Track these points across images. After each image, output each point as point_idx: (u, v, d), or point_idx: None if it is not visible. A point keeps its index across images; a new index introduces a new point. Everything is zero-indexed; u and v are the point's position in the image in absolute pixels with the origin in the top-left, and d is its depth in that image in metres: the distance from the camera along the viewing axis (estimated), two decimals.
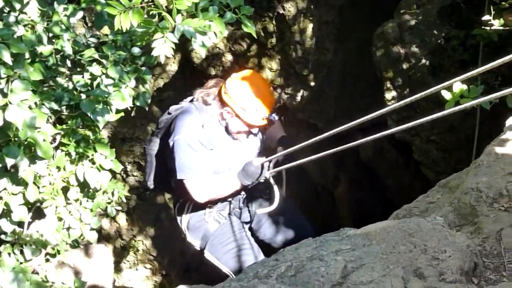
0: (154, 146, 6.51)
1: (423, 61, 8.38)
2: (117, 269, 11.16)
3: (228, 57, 10.05)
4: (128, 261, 11.26)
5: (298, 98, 10.10)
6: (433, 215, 4.78)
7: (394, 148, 9.94)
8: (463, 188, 5.12)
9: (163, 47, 4.26)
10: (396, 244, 4.28)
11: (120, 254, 11.27)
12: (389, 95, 8.80)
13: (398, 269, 4.05)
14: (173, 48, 4.31)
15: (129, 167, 10.85)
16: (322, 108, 10.37)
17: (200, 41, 4.44)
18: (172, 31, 4.28)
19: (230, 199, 6.32)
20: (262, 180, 6.05)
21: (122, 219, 11.15)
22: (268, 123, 6.11)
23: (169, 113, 6.43)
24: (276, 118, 6.10)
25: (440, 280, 3.99)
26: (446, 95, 5.58)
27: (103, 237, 11.13)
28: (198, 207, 6.31)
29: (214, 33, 4.58)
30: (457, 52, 8.32)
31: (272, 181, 6.21)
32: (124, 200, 6.31)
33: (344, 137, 10.52)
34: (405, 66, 8.55)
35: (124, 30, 4.21)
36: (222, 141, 6.14)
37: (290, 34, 9.60)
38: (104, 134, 10.34)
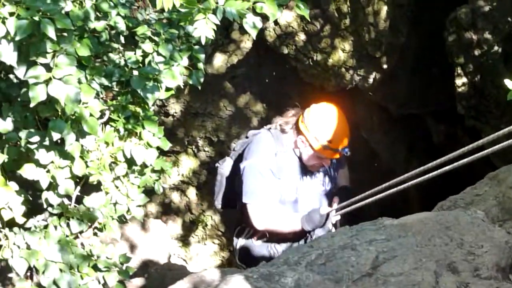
0: (227, 166, 6.51)
1: (495, 48, 8.15)
2: (185, 243, 11.25)
3: (301, 36, 9.95)
4: (196, 235, 11.33)
5: (370, 80, 9.98)
6: (474, 208, 4.63)
7: (467, 135, 9.70)
8: (509, 182, 4.95)
9: (204, 28, 4.21)
10: (432, 236, 4.18)
11: (188, 228, 11.34)
12: (459, 81, 8.63)
13: (431, 263, 3.96)
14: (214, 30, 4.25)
15: (200, 142, 10.88)
16: (393, 91, 10.22)
17: (251, 22, 4.37)
18: (214, 13, 4.22)
19: (292, 242, 6.27)
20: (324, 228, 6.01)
21: (192, 193, 11.21)
22: (340, 156, 6.05)
23: (246, 137, 6.44)
24: (349, 153, 6.04)
25: (474, 275, 3.89)
26: (510, 84, 5.37)
27: (173, 210, 11.23)
28: (257, 236, 6.30)
29: (266, 15, 4.48)
30: None
31: (331, 225, 6.14)
32: (176, 181, 6.40)
33: (414, 119, 10.40)
34: (476, 52, 8.34)
35: (166, 10, 4.17)
36: (293, 172, 6.09)
37: (363, 15, 9.45)
38: (177, 108, 10.40)
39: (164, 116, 10.41)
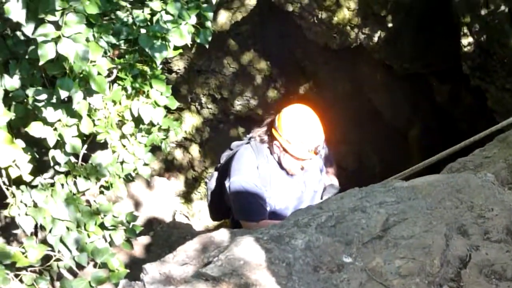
0: (214, 181, 6.50)
1: (502, 7, 8.10)
2: (188, 199, 11.27)
3: None
4: (199, 192, 11.35)
5: (375, 39, 9.95)
6: (484, 171, 4.62)
7: (470, 94, 9.69)
8: None
9: None
10: (442, 199, 4.17)
11: (191, 185, 11.36)
12: (465, 41, 8.60)
13: (441, 226, 3.96)
14: None
15: (203, 99, 10.87)
16: (398, 50, 10.16)
17: None
18: None
19: None
20: None
21: (194, 150, 11.22)
22: (316, 155, 5.95)
23: (230, 149, 6.40)
24: (324, 152, 6.07)
25: (484, 239, 3.89)
26: None
27: (175, 167, 11.24)
28: None
29: None
30: None
31: None
32: (179, 138, 6.36)
33: (418, 78, 10.37)
34: (483, 12, 8.27)
35: None
36: (278, 180, 6.03)
37: None
38: (180, 65, 10.37)
39: (168, 73, 10.38)
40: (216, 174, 6.53)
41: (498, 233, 3.91)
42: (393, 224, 4.01)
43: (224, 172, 6.17)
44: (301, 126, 5.86)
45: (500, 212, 4.03)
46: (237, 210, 6.02)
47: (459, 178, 4.37)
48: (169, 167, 11.19)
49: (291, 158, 5.90)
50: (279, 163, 6.00)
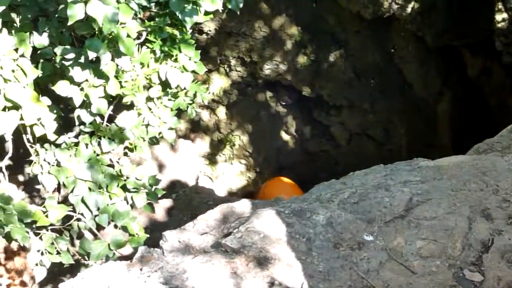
0: None
1: None
2: (212, 161, 11.26)
3: None
4: (224, 154, 11.33)
5: (408, 9, 9.84)
6: (511, 154, 4.55)
7: (503, 70, 9.57)
8: None
9: None
10: (468, 181, 4.14)
11: (216, 147, 11.34)
12: (499, 16, 8.54)
13: (465, 208, 3.93)
14: None
15: (233, 62, 10.80)
16: (431, 22, 10.04)
17: None
18: None
19: None
20: None
21: (221, 112, 11.18)
22: None
23: None
24: None
25: (508, 223, 3.86)
26: None
27: (201, 128, 11.22)
28: None
29: None
30: None
31: None
32: (206, 103, 6.27)
33: (450, 51, 10.26)
34: None
35: None
36: None
37: None
38: (211, 26, 10.30)
39: (198, 34, 10.31)
40: None
41: None
42: (416, 204, 3.98)
43: None
44: None
45: None
46: None
47: (485, 160, 4.32)
48: (195, 128, 11.17)
49: None
50: None
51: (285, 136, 11.25)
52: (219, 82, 10.82)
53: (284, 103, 11.09)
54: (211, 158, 11.27)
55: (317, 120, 11.12)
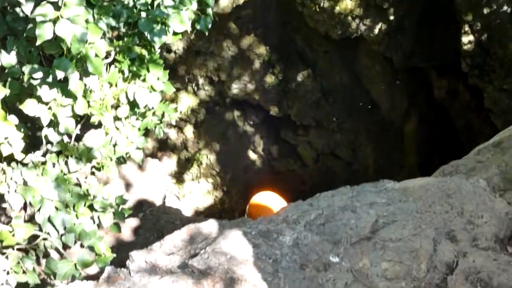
0: None
1: (505, 7, 8.13)
2: (179, 180, 11.27)
3: None
4: (191, 173, 11.35)
5: (376, 30, 9.97)
6: (476, 176, 4.62)
7: (468, 92, 9.71)
8: None
9: None
10: (433, 203, 4.18)
11: (183, 166, 11.36)
12: (466, 38, 8.67)
13: (430, 230, 3.97)
14: None
15: (200, 81, 10.84)
16: (398, 43, 10.18)
17: None
18: None
19: None
20: None
21: (189, 131, 11.20)
22: None
23: None
24: None
25: (472, 245, 3.91)
26: None
27: (168, 147, 11.23)
28: None
29: None
30: None
31: None
32: (174, 123, 6.27)
33: (417, 72, 10.41)
34: (485, 11, 8.29)
35: None
36: None
37: None
38: (179, 45, 10.33)
39: (166, 53, 10.34)
40: None
41: (487, 241, 3.92)
42: (382, 226, 4.02)
43: None
44: None
45: (489, 219, 4.04)
46: None
47: (451, 182, 4.37)
48: (162, 146, 11.19)
49: None
50: None
51: (252, 155, 11.29)
52: (187, 101, 10.86)
53: (251, 122, 11.14)
54: (178, 177, 11.29)
55: (284, 140, 11.18)
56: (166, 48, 10.26)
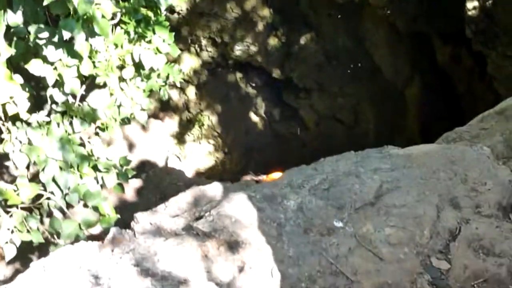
0: None
1: None
2: (181, 141, 11.27)
3: None
4: (192, 134, 11.34)
5: None
6: (480, 143, 4.62)
7: (472, 58, 9.66)
8: None
9: None
10: (437, 170, 4.19)
11: (185, 127, 11.35)
12: (470, 4, 8.60)
13: (434, 196, 3.98)
14: None
15: (203, 42, 10.80)
16: (403, 8, 10.08)
17: None
18: None
19: None
20: None
21: (191, 92, 11.18)
22: None
23: None
24: None
25: (475, 212, 3.92)
26: None
27: (171, 107, 11.21)
28: None
29: None
30: None
31: None
32: (178, 85, 6.26)
33: (420, 37, 10.34)
34: None
35: None
36: None
37: None
38: (183, 6, 10.27)
39: (170, 13, 10.29)
40: None
41: (490, 208, 3.93)
42: (386, 192, 4.03)
43: None
44: None
45: (493, 186, 4.05)
46: None
47: (455, 149, 4.38)
48: (165, 107, 11.16)
49: None
50: None
51: (254, 118, 11.29)
52: (190, 62, 10.83)
53: (254, 85, 11.12)
54: (180, 138, 11.28)
55: (286, 103, 11.16)
56: (169, 9, 10.20)
